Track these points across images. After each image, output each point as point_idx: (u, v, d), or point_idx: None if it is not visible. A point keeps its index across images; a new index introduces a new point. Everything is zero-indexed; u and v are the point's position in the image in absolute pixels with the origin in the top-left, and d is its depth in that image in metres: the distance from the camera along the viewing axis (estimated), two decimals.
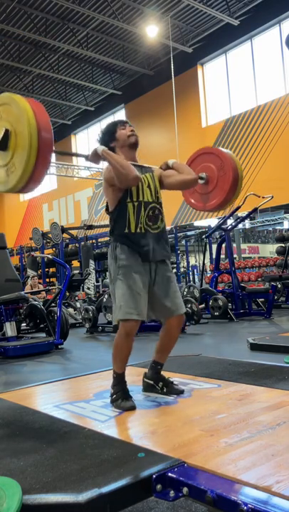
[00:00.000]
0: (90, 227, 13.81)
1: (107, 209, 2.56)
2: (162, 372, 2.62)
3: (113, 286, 2.47)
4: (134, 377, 2.72)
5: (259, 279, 11.41)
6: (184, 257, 17.46)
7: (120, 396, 2.36)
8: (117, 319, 2.42)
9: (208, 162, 3.14)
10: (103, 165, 2.54)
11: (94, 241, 15.06)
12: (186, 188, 2.97)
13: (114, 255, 2.47)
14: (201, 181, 3.04)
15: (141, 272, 2.42)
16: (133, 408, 2.30)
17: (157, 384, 2.57)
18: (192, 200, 3.26)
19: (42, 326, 6.40)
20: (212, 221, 16.05)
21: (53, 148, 2.24)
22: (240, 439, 1.73)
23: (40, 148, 2.12)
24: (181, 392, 2.50)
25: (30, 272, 13.25)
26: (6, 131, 2.20)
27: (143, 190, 2.49)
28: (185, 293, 8.65)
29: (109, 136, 2.57)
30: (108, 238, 2.67)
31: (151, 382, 2.59)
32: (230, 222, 10.46)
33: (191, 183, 2.73)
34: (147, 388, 2.60)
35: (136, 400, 2.40)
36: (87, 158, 2.49)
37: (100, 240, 15.70)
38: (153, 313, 2.54)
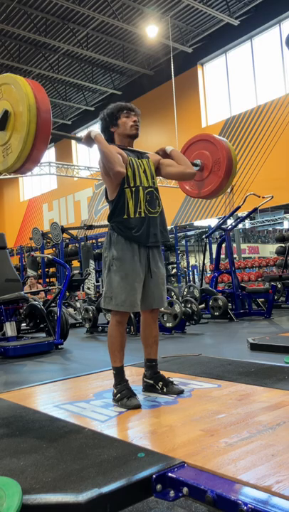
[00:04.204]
0: (90, 227, 13.81)
1: (106, 197, 2.57)
2: (162, 372, 2.62)
3: (107, 274, 2.49)
4: (134, 377, 2.72)
5: (259, 279, 11.40)
6: (184, 257, 17.46)
7: (125, 394, 2.36)
8: (108, 308, 2.48)
9: (202, 149, 3.17)
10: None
11: (94, 241, 15.06)
12: (183, 180, 3.03)
13: (110, 244, 2.49)
14: (195, 168, 3.07)
15: (136, 262, 2.44)
16: (138, 407, 2.30)
17: (157, 384, 2.57)
18: (187, 187, 3.27)
19: (42, 326, 6.39)
20: (212, 221, 16.06)
21: (51, 130, 2.25)
22: (240, 439, 1.72)
23: (39, 130, 2.14)
24: (181, 391, 2.50)
25: (30, 272, 13.25)
26: (6, 112, 2.21)
27: (140, 175, 2.50)
28: (185, 293, 8.65)
29: (111, 120, 2.58)
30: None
31: (151, 382, 2.59)
32: (230, 222, 10.45)
33: (189, 177, 2.76)
34: (147, 388, 2.60)
35: None
36: (81, 140, 2.50)
37: (100, 240, 15.70)
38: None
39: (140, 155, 2.60)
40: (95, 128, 2.63)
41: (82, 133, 22.80)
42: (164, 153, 2.70)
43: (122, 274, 2.42)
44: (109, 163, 2.38)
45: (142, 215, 2.47)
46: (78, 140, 2.53)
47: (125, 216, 2.45)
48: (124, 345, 2.52)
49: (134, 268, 2.44)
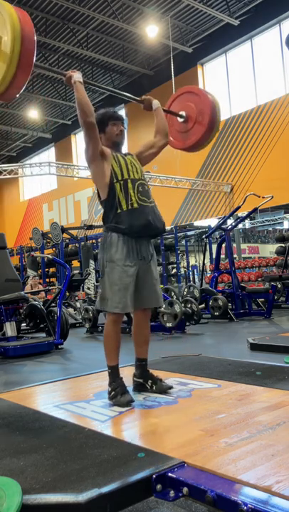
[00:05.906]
0: (90, 227, 13.81)
1: (99, 196, 2.60)
2: (162, 372, 2.64)
3: (101, 275, 2.54)
4: (131, 378, 2.71)
5: (259, 279, 11.40)
6: (184, 257, 17.44)
7: (118, 392, 2.40)
8: (103, 309, 2.52)
9: (188, 101, 3.25)
10: None
11: (94, 241, 15.04)
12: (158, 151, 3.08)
13: (104, 245, 2.53)
14: (180, 119, 3.17)
15: (128, 264, 2.46)
16: (131, 402, 2.34)
17: (146, 382, 2.61)
18: (171, 139, 3.30)
19: (42, 326, 6.40)
20: (212, 221, 16.05)
21: (34, 61, 2.26)
22: (240, 439, 1.73)
23: (22, 59, 2.17)
24: (170, 388, 2.55)
25: (30, 272, 13.24)
26: None
27: (127, 168, 2.55)
28: (185, 293, 8.65)
29: (99, 126, 2.61)
30: None
31: (141, 380, 2.63)
32: (230, 222, 10.45)
33: (162, 148, 2.85)
34: (137, 387, 2.64)
35: (137, 400, 2.41)
36: (64, 77, 2.53)
37: (100, 239, 15.65)
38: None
39: (124, 154, 2.66)
40: None
41: (81, 133, 22.73)
42: (148, 104, 2.83)
43: (115, 276, 2.45)
44: (82, 113, 2.43)
45: (135, 205, 2.48)
46: (62, 75, 2.54)
47: (118, 210, 2.48)
48: (120, 344, 2.55)
49: (127, 270, 2.45)
